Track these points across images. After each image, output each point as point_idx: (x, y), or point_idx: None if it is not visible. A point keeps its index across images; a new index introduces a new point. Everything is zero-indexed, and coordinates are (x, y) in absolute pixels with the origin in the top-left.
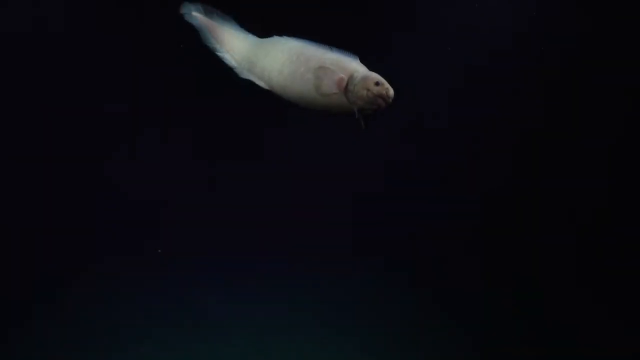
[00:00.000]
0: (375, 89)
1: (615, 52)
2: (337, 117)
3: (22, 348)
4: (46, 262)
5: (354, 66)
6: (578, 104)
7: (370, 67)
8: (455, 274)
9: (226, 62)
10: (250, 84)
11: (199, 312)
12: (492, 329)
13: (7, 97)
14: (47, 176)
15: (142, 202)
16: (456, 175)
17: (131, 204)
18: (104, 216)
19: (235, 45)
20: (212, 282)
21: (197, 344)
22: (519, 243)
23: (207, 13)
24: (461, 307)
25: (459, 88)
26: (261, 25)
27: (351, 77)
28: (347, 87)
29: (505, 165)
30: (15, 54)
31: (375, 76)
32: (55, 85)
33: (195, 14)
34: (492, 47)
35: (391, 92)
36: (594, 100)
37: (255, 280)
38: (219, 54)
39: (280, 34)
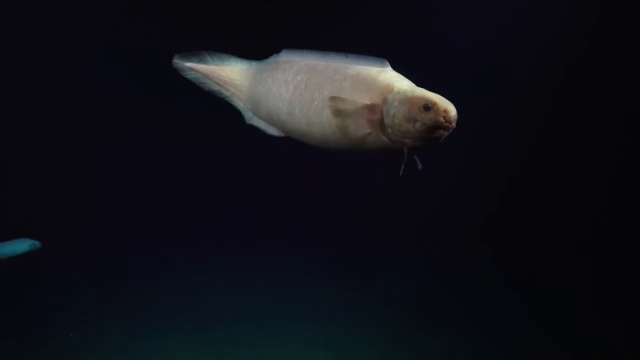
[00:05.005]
0: (427, 118)
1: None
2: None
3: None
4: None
5: (386, 81)
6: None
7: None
8: (459, 273)
9: (233, 104)
10: (258, 132)
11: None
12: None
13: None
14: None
15: (142, 201)
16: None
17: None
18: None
19: (237, 81)
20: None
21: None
22: (520, 243)
23: (198, 59)
24: (460, 306)
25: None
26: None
27: (385, 103)
28: (382, 121)
29: (508, 168)
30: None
31: (421, 96)
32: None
33: (188, 64)
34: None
35: (453, 113)
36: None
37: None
38: (223, 97)
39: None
